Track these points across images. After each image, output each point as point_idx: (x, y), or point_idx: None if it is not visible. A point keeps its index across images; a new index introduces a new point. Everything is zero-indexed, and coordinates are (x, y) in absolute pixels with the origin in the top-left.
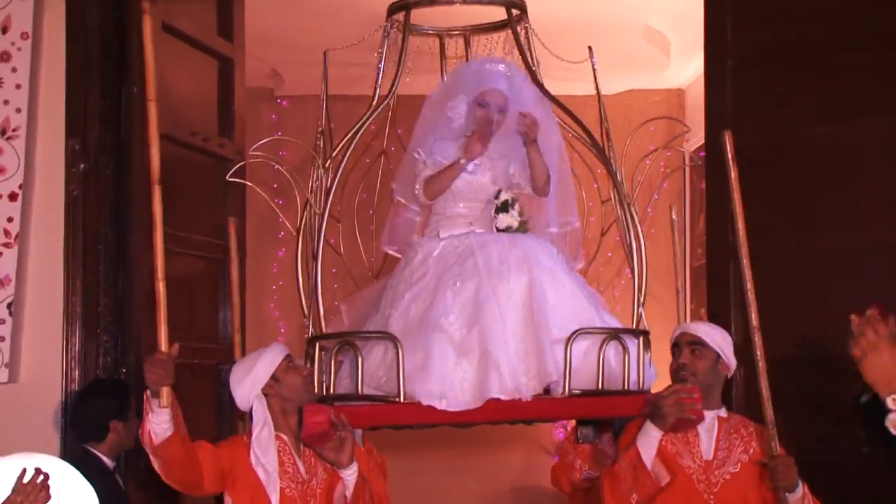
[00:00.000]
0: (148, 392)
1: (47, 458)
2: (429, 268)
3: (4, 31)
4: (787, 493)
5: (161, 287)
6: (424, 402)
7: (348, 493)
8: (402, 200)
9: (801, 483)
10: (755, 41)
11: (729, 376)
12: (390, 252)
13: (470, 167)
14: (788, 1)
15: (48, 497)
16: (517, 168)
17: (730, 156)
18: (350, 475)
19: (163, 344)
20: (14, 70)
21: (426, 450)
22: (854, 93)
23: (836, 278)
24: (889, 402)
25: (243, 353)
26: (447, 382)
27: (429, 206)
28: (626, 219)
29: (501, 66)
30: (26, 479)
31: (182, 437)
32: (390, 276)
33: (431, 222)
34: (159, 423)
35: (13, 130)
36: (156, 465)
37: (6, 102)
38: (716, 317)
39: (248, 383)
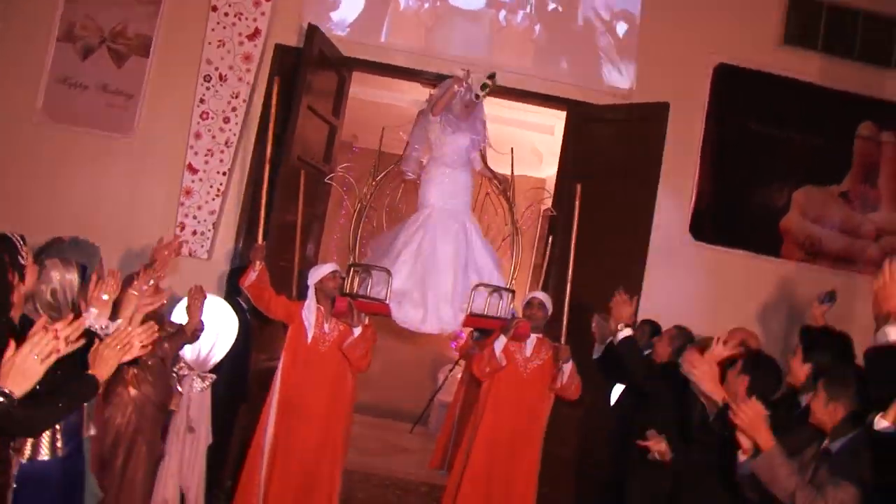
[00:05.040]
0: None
1: (214, 296)
2: (414, 234)
3: (237, 96)
4: (563, 364)
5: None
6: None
7: (353, 338)
8: (413, 143)
9: (570, 360)
10: (579, 170)
11: (548, 318)
12: (408, 175)
13: (451, 133)
14: (599, 155)
15: (205, 296)
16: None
17: (578, 194)
18: (357, 330)
19: (259, 240)
20: (237, 115)
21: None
22: (609, 194)
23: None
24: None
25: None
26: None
27: (428, 148)
28: (514, 233)
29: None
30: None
31: (260, 286)
32: (399, 227)
33: (431, 160)
34: (251, 276)
35: (229, 144)
36: (248, 294)
37: (232, 135)
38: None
39: (312, 278)
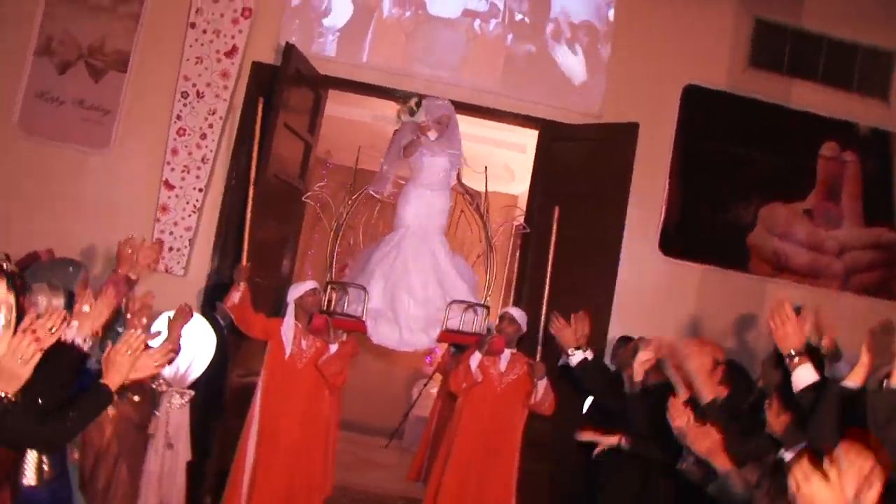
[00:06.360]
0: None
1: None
2: (387, 254)
3: (213, 112)
4: (538, 381)
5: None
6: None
7: (329, 354)
8: (387, 164)
9: (546, 377)
10: (550, 188)
11: (522, 334)
12: (373, 193)
13: (429, 156)
14: (570, 173)
15: (190, 318)
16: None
17: (556, 217)
18: (334, 348)
19: (244, 261)
20: (214, 132)
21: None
22: (580, 212)
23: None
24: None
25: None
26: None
27: (403, 168)
28: (487, 249)
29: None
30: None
31: (243, 306)
32: (375, 246)
33: (410, 181)
34: (234, 296)
35: (205, 160)
36: (231, 315)
37: (209, 151)
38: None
39: (291, 295)
